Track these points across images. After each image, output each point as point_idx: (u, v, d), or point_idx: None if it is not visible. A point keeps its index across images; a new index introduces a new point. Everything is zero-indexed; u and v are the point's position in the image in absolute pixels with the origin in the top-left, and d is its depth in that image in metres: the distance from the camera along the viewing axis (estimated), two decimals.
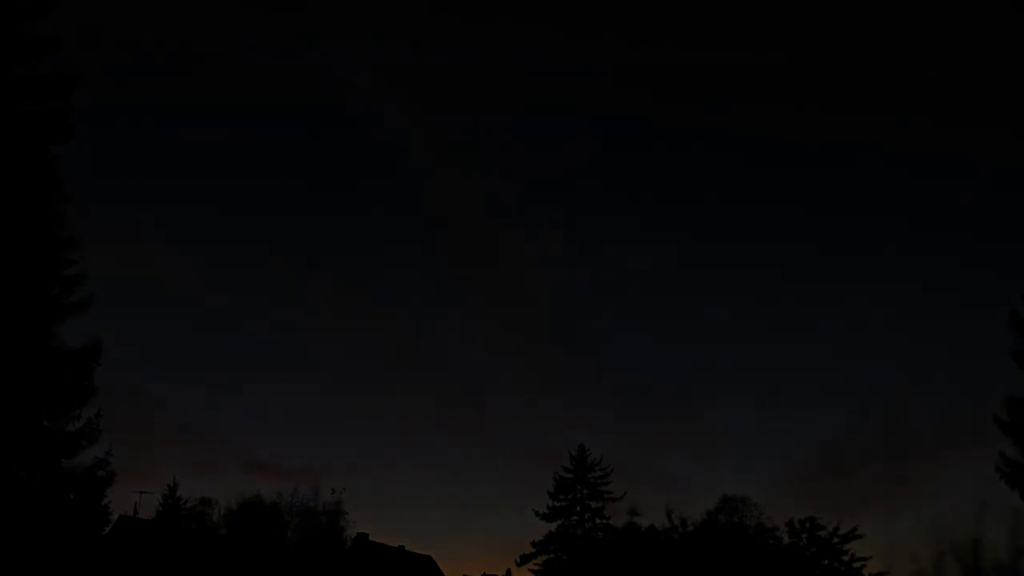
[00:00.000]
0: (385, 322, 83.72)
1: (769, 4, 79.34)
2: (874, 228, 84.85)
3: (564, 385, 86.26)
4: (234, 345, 79.79)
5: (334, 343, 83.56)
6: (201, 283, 79.42)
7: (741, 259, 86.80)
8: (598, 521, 53.57)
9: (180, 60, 75.99)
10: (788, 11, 79.44)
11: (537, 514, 53.60)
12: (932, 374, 77.12)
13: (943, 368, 76.67)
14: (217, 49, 77.40)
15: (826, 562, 49.37)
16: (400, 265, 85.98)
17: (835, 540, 49.48)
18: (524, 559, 53.68)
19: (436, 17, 78.43)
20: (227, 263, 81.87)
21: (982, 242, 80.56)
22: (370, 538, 52.12)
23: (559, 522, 53.51)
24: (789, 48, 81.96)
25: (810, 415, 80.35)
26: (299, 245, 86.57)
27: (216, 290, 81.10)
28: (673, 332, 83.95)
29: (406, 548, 56.04)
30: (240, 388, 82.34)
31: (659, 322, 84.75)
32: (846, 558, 49.36)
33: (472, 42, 78.00)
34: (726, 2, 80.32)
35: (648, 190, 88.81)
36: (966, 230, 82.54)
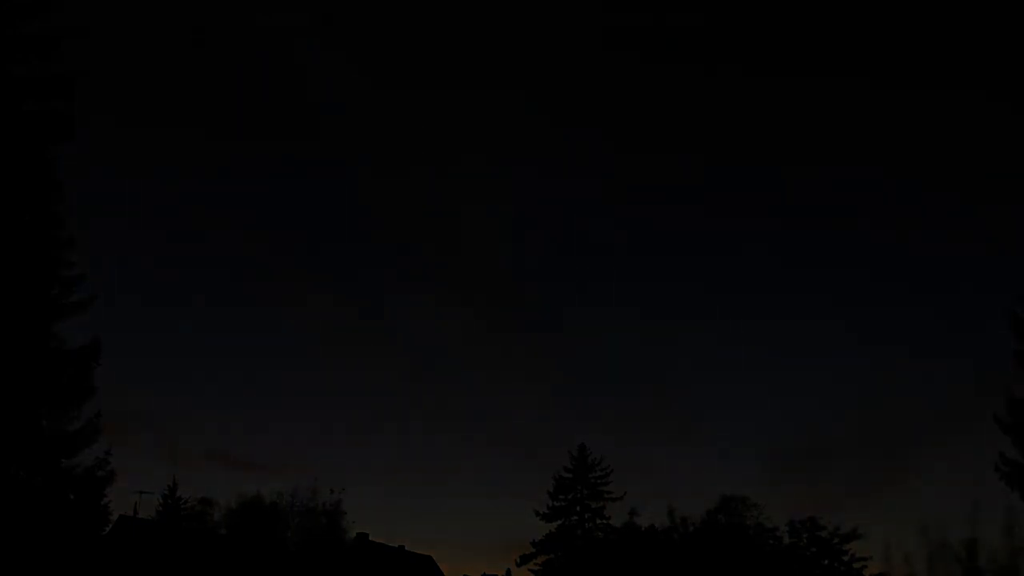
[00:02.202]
0: (375, 321, 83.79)
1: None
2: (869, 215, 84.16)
3: (561, 385, 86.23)
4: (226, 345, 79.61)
5: (328, 343, 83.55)
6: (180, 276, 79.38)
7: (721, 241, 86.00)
8: (598, 521, 53.62)
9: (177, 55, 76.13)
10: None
11: (537, 514, 53.72)
12: (920, 367, 77.28)
13: (930, 361, 76.78)
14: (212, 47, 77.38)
15: (826, 562, 49.42)
16: (380, 260, 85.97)
17: (835, 540, 49.53)
18: (524, 559, 53.76)
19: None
20: (203, 262, 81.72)
21: (981, 237, 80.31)
22: (370, 538, 52.18)
23: (559, 522, 53.55)
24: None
25: (797, 407, 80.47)
26: (282, 245, 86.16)
27: (197, 284, 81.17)
28: (653, 315, 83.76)
29: (406, 548, 56.11)
30: (238, 387, 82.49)
31: (636, 304, 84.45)
32: (846, 558, 49.40)
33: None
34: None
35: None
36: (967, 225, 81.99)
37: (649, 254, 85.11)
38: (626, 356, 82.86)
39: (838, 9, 77.72)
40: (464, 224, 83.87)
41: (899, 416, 75.19)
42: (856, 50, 80.00)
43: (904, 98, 78.79)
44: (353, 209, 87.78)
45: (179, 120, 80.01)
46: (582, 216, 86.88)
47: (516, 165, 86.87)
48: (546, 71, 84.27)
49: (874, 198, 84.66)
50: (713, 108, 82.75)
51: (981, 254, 77.40)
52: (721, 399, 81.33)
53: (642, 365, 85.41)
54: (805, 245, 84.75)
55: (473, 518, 74.96)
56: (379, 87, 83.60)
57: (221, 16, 72.02)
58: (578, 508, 53.69)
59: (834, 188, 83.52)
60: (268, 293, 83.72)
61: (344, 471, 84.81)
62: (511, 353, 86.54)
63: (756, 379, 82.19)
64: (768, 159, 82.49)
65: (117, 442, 26.40)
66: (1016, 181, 71.54)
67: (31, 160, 25.29)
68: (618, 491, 53.61)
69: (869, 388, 79.98)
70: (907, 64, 78.17)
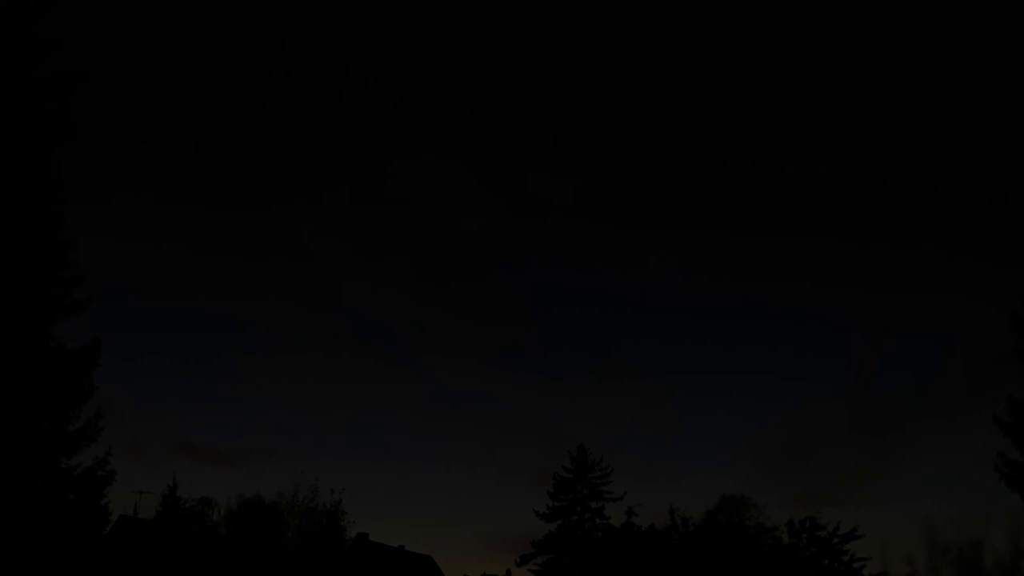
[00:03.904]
0: (376, 322, 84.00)
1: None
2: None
3: (561, 385, 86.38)
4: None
5: (328, 343, 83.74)
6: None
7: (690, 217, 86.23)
8: (598, 521, 53.58)
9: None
10: None
11: (537, 514, 53.70)
12: (917, 365, 77.53)
13: (927, 358, 77.13)
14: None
15: (826, 562, 49.38)
16: (373, 260, 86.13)
17: (835, 540, 49.51)
18: (524, 559, 53.73)
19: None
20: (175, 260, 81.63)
21: (981, 234, 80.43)
22: (370, 538, 52.19)
23: (559, 522, 53.51)
24: None
25: (789, 403, 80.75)
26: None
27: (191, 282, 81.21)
28: (643, 314, 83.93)
29: (406, 548, 56.14)
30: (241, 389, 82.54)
31: (631, 304, 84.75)
32: (846, 558, 49.38)
33: None
34: None
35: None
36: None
37: (644, 253, 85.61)
38: (624, 357, 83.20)
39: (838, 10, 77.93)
40: (459, 226, 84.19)
41: (893, 412, 75.90)
42: (855, 51, 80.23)
43: (905, 100, 78.98)
44: (345, 210, 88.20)
45: (175, 120, 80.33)
46: (576, 219, 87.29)
47: (510, 161, 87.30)
48: (544, 71, 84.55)
49: (873, 195, 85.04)
50: (712, 107, 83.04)
51: (981, 251, 77.64)
52: (715, 397, 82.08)
53: (640, 366, 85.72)
54: (800, 241, 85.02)
55: (473, 518, 75.13)
56: (373, 84, 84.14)
57: (220, 19, 72.24)
58: (578, 508, 53.63)
59: (835, 183, 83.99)
60: (265, 289, 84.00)
61: (345, 471, 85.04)
62: (511, 354, 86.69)
63: (750, 376, 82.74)
64: (764, 154, 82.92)
65: (116, 441, 26.38)
66: (1018, 180, 71.66)
67: (31, 160, 25.27)
68: (618, 491, 53.72)
69: (864, 384, 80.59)
70: (906, 66, 78.36)
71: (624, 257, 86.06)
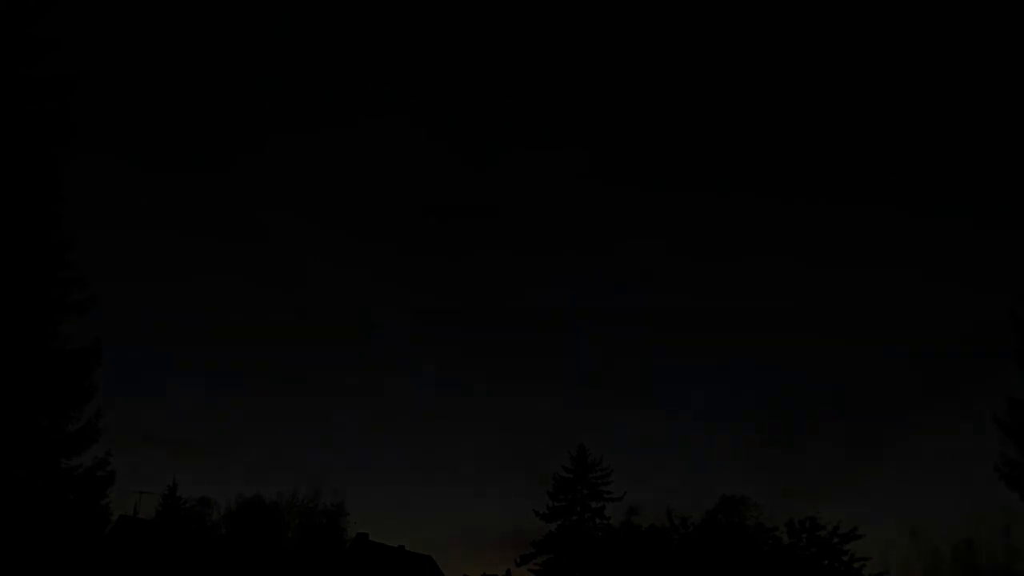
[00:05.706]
0: (375, 322, 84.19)
1: None
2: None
3: (561, 385, 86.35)
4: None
5: (330, 344, 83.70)
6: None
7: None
8: (598, 521, 53.62)
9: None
10: None
11: (537, 514, 53.73)
12: (915, 362, 77.61)
13: (922, 356, 77.36)
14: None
15: (826, 562, 49.37)
16: (369, 260, 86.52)
17: (835, 540, 49.50)
18: (524, 559, 53.75)
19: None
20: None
21: (981, 233, 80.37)
22: (370, 538, 52.16)
23: (559, 522, 53.53)
24: None
25: (782, 399, 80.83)
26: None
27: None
28: (635, 316, 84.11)
29: (406, 548, 56.09)
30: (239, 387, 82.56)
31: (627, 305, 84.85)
32: (846, 558, 49.38)
33: None
34: None
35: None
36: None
37: (637, 253, 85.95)
38: (622, 357, 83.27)
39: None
40: (455, 225, 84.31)
41: (892, 412, 76.06)
42: (830, 76, 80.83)
43: (911, 105, 79.31)
44: (338, 210, 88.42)
45: (171, 123, 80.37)
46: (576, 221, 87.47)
47: (500, 153, 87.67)
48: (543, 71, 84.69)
49: (876, 194, 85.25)
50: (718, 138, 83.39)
51: (981, 249, 77.61)
52: (714, 398, 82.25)
53: (639, 367, 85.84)
54: (800, 244, 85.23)
55: (473, 518, 75.08)
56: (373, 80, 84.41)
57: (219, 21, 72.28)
58: (578, 508, 53.66)
59: (841, 179, 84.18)
60: (265, 290, 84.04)
61: (345, 471, 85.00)
62: (511, 353, 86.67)
63: (749, 376, 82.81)
64: (759, 146, 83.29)
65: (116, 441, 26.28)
66: (1018, 180, 71.70)
67: (31, 161, 25.25)
68: (618, 491, 53.75)
69: (859, 381, 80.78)
70: (886, 92, 78.83)
71: (624, 266, 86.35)
